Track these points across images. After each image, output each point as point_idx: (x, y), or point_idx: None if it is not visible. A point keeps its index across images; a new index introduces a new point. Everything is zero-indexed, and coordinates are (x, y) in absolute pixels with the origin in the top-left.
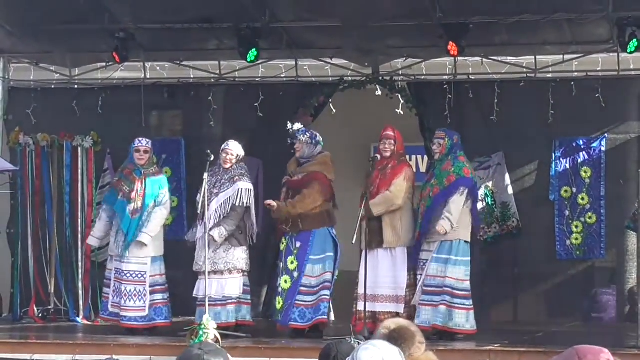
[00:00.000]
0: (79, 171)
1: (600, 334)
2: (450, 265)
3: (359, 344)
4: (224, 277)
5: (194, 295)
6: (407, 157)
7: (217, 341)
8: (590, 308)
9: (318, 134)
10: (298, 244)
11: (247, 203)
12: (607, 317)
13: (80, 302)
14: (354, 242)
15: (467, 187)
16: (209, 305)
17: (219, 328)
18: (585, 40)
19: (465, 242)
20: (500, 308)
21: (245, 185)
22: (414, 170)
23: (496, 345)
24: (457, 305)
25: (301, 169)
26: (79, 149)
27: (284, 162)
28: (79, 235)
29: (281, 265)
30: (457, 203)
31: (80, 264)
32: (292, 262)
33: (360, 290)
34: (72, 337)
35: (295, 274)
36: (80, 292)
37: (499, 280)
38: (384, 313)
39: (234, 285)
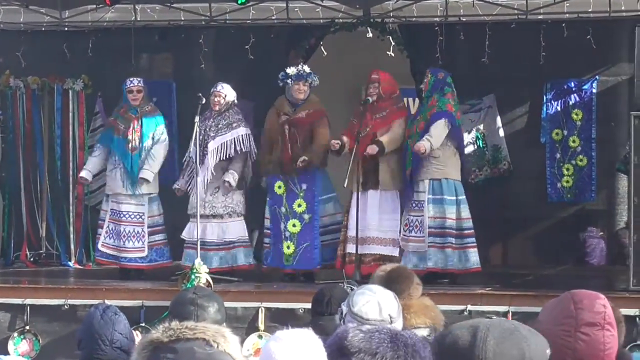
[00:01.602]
0: (70, 114)
1: (591, 277)
2: (447, 205)
3: (352, 288)
4: (224, 220)
5: (182, 237)
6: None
7: (208, 285)
8: (580, 251)
9: None
10: (304, 186)
11: (247, 148)
12: (598, 259)
13: (72, 247)
14: (345, 185)
15: (448, 120)
16: (210, 249)
17: (221, 272)
18: None
19: (455, 180)
20: (491, 251)
21: (245, 131)
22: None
23: (487, 289)
24: (469, 245)
25: (299, 110)
26: (70, 92)
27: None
28: (70, 179)
29: (283, 210)
30: (438, 128)
31: (71, 207)
32: (299, 205)
33: (351, 233)
34: (64, 281)
35: (306, 217)
36: (72, 236)
37: (490, 224)
38: (371, 255)
39: (235, 229)
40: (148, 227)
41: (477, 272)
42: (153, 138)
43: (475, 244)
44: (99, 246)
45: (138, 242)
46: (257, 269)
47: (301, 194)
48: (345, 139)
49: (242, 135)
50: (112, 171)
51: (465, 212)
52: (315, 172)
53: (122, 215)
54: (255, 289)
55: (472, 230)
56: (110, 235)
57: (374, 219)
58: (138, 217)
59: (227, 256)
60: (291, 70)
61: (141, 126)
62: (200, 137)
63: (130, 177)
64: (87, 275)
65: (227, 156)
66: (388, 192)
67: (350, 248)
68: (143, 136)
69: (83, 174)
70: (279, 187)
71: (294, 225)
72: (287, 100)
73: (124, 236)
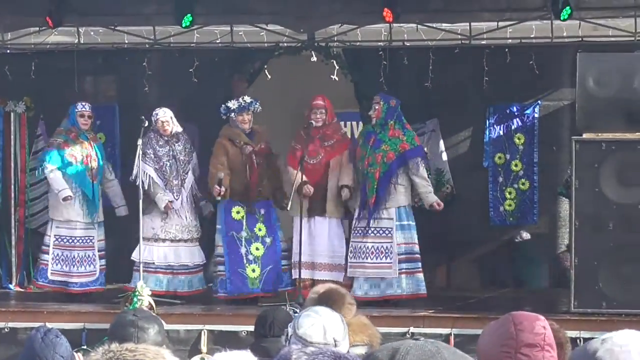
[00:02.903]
0: (12, 137)
1: (533, 300)
2: (413, 231)
3: (294, 311)
4: (179, 245)
5: (132, 258)
6: (343, 124)
7: (151, 308)
8: (523, 274)
9: None
10: (262, 211)
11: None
12: (540, 283)
13: (14, 269)
14: (288, 209)
15: (423, 158)
16: (167, 273)
17: (182, 296)
18: (519, 7)
19: (412, 206)
20: (434, 274)
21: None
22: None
23: (430, 311)
24: (417, 270)
25: (257, 138)
26: (12, 114)
27: (220, 128)
28: (12, 202)
29: (244, 235)
30: (423, 172)
31: (13, 230)
32: (260, 229)
33: (295, 259)
34: (4, 304)
35: (268, 240)
36: (14, 258)
37: (433, 247)
38: (323, 281)
39: (191, 253)
40: (98, 250)
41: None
42: (107, 168)
43: (421, 269)
44: (48, 274)
45: (90, 265)
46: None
47: (260, 218)
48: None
49: (196, 163)
50: (71, 199)
51: (416, 237)
52: (269, 199)
53: (74, 241)
54: (198, 312)
55: (419, 255)
56: (58, 261)
57: (323, 244)
58: (89, 241)
59: (181, 280)
60: (232, 104)
61: (97, 154)
62: (172, 160)
63: (92, 205)
64: (28, 298)
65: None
66: (334, 219)
67: (305, 274)
68: (99, 162)
69: (67, 193)
70: (237, 213)
71: (257, 249)
72: (239, 130)
73: (77, 261)
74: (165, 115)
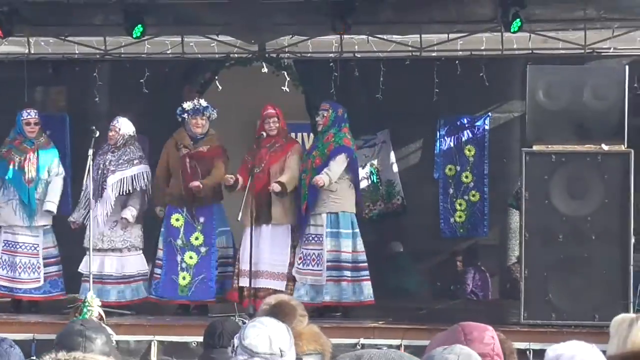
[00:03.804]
0: None
1: (483, 311)
2: (343, 239)
3: (243, 322)
4: (123, 254)
5: (79, 270)
6: (294, 135)
7: (101, 318)
8: (472, 285)
9: None
10: (202, 219)
11: (145, 186)
12: (485, 293)
13: None
14: (239, 219)
15: (347, 155)
16: (109, 283)
17: (119, 306)
18: (469, 19)
19: (351, 213)
20: (384, 285)
21: (144, 168)
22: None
23: (380, 322)
24: (364, 278)
25: (203, 142)
26: None
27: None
28: None
29: (179, 242)
30: (338, 163)
31: None
32: (196, 238)
33: (244, 267)
34: None
35: (203, 249)
36: None
37: (384, 258)
38: (264, 289)
39: (135, 263)
40: (43, 258)
41: (370, 305)
42: (49, 171)
43: (368, 277)
44: None
45: (33, 273)
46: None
47: (199, 227)
48: (239, 177)
49: (142, 173)
50: (8, 203)
51: (360, 245)
52: (212, 205)
53: (17, 247)
54: (148, 322)
55: (366, 264)
56: (4, 266)
57: (266, 252)
58: (33, 248)
59: (127, 290)
60: (187, 105)
61: (37, 158)
62: (100, 170)
63: (27, 209)
64: None
65: (126, 192)
66: (279, 226)
67: (244, 282)
68: (39, 168)
69: None
70: (176, 220)
71: (190, 257)
72: (187, 134)
73: (19, 267)
74: (117, 123)
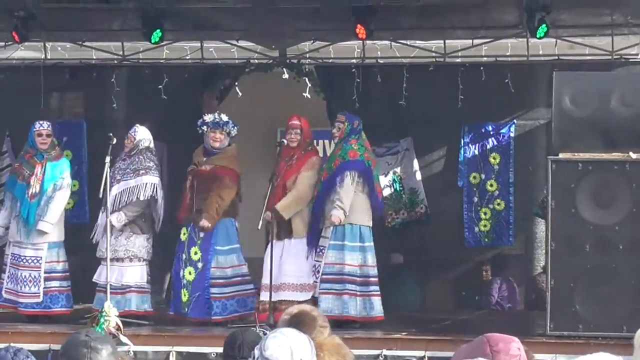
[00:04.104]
0: None
1: (508, 322)
2: (347, 251)
3: (264, 333)
4: (124, 264)
5: (93, 280)
6: (315, 142)
7: (118, 329)
8: (498, 296)
9: None
10: (202, 235)
11: (148, 197)
12: (513, 304)
13: None
14: (259, 228)
15: (354, 170)
16: (110, 292)
17: (119, 316)
18: (494, 25)
19: (362, 226)
20: (407, 295)
21: (151, 179)
22: (320, 158)
23: (403, 334)
24: (373, 293)
25: (209, 160)
26: None
27: (189, 146)
28: None
29: (184, 257)
30: (346, 189)
31: None
32: (195, 253)
33: (265, 281)
34: None
35: (200, 265)
36: None
37: (407, 268)
38: (288, 302)
39: (134, 273)
40: (45, 272)
41: (380, 321)
42: (55, 186)
43: (379, 293)
44: (2, 292)
45: (34, 287)
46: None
47: (198, 242)
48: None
49: (146, 184)
50: (14, 218)
51: (372, 259)
52: (217, 222)
53: (20, 260)
54: (167, 333)
55: (377, 279)
56: (11, 280)
57: (290, 264)
58: (35, 262)
59: (122, 300)
60: (208, 118)
61: (44, 173)
62: (110, 179)
63: (25, 225)
64: None
65: (128, 202)
66: (301, 239)
67: (264, 296)
68: (44, 183)
69: None
70: (183, 234)
71: (189, 273)
72: (203, 149)
73: (21, 281)
74: (134, 132)
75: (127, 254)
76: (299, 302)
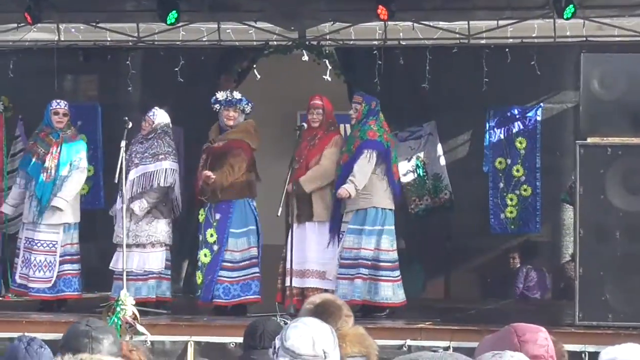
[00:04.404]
0: None
1: (536, 312)
2: (365, 236)
3: (285, 322)
4: (146, 250)
5: (110, 268)
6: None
7: (135, 318)
8: (524, 284)
9: None
10: (217, 216)
11: (168, 183)
12: (541, 293)
13: None
14: (279, 214)
15: (373, 150)
16: (129, 279)
17: (138, 304)
18: (520, 5)
19: (384, 209)
20: (431, 284)
21: (170, 165)
22: (343, 138)
23: (427, 323)
24: (382, 278)
25: (223, 136)
26: None
27: (206, 130)
28: None
29: (200, 238)
30: (361, 165)
31: None
32: (211, 235)
33: (288, 266)
34: None
35: (215, 247)
36: None
37: (431, 255)
38: (312, 289)
39: (156, 259)
40: (60, 256)
41: (384, 308)
42: (71, 164)
43: (389, 279)
44: (16, 277)
45: (48, 271)
46: (186, 300)
47: (214, 224)
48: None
49: (165, 169)
50: (28, 198)
51: (386, 244)
52: (233, 202)
53: (35, 244)
54: (185, 322)
55: (391, 264)
56: (25, 264)
57: (312, 251)
58: (51, 245)
59: (143, 287)
60: (221, 96)
61: (59, 152)
62: (127, 162)
63: (39, 205)
64: (6, 307)
65: (147, 187)
66: (324, 223)
67: (294, 282)
68: (60, 164)
69: (5, 209)
70: (201, 215)
71: (205, 255)
72: (218, 127)
73: (34, 265)
74: (152, 115)
75: (150, 239)
76: (324, 291)
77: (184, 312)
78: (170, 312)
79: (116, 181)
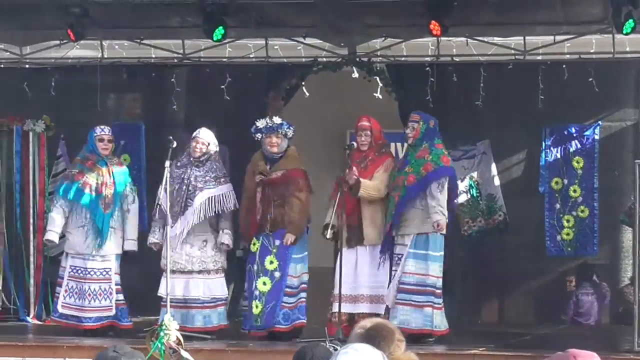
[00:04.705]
0: (30, 158)
1: (592, 337)
2: (430, 262)
3: (335, 348)
4: (210, 276)
5: (158, 294)
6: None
7: (179, 343)
8: (574, 310)
9: None
10: (277, 242)
11: (232, 207)
12: (594, 318)
13: (32, 300)
14: (328, 236)
15: (447, 176)
16: (192, 307)
17: (209, 332)
18: (578, 20)
19: (442, 234)
20: (485, 308)
21: (229, 188)
22: (395, 160)
23: (481, 349)
24: (437, 305)
25: (275, 167)
26: (30, 133)
27: (253, 150)
28: (30, 228)
29: (255, 268)
30: (444, 194)
31: (32, 259)
32: (270, 262)
33: (337, 291)
34: (22, 338)
35: (277, 274)
36: (32, 289)
37: (485, 279)
38: (364, 315)
39: (222, 286)
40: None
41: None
42: (123, 196)
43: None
44: (58, 307)
45: (105, 299)
46: (231, 325)
47: (274, 250)
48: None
49: (230, 192)
50: (78, 229)
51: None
52: (281, 230)
53: (87, 273)
54: (230, 348)
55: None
56: (71, 294)
57: (364, 275)
58: (105, 273)
59: (213, 314)
60: (261, 123)
61: (114, 182)
62: (184, 185)
63: (100, 237)
64: (46, 331)
65: (215, 212)
66: (375, 247)
67: (336, 307)
68: (116, 190)
69: (51, 236)
70: (253, 245)
71: (264, 284)
72: (263, 156)
73: (89, 295)
74: (204, 136)
75: (217, 265)
76: (376, 315)
77: (229, 337)
78: (215, 338)
79: (159, 202)
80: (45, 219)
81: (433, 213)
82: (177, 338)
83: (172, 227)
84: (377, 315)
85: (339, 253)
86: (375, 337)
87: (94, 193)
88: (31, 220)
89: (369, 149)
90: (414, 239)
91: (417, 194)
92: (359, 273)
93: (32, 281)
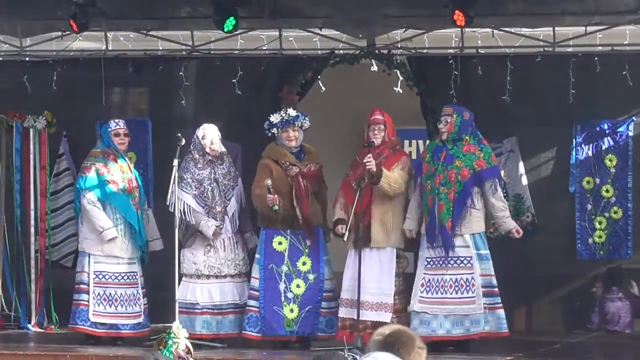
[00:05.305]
0: (31, 156)
1: (625, 345)
2: (489, 262)
3: (354, 357)
4: (226, 280)
5: (186, 300)
6: (404, 142)
7: (188, 352)
8: (611, 316)
9: None
10: (308, 242)
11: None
12: (623, 326)
13: (33, 307)
14: (345, 239)
15: (498, 178)
16: (215, 313)
17: (223, 340)
18: (610, 10)
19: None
20: (512, 315)
21: (241, 185)
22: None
23: (508, 358)
24: (499, 305)
25: (307, 159)
26: (31, 130)
27: (266, 145)
28: (31, 230)
29: (285, 269)
30: (501, 193)
31: (33, 262)
32: (304, 263)
33: (344, 296)
34: (23, 347)
35: (311, 277)
36: (33, 295)
37: (511, 283)
38: (365, 322)
39: (244, 290)
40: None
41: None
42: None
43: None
44: (90, 316)
45: (135, 305)
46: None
47: (306, 251)
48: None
49: (242, 191)
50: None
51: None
52: (317, 227)
53: (115, 278)
54: (242, 357)
55: None
56: (99, 301)
57: (370, 280)
58: (132, 277)
59: (231, 320)
60: (275, 118)
61: (136, 179)
62: (211, 184)
63: (137, 238)
64: (48, 339)
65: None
66: (383, 250)
67: (343, 312)
68: (141, 193)
69: (113, 233)
70: (279, 243)
71: (298, 286)
72: (284, 148)
73: (115, 300)
74: (214, 133)
75: (229, 269)
76: (382, 324)
77: (240, 345)
78: (227, 346)
79: (168, 203)
80: (46, 222)
81: (506, 218)
82: (187, 346)
83: (221, 227)
84: (383, 323)
85: (348, 255)
86: (394, 344)
87: (123, 192)
88: (32, 222)
89: (382, 145)
90: (472, 239)
91: (471, 190)
92: (363, 278)
93: (33, 287)
